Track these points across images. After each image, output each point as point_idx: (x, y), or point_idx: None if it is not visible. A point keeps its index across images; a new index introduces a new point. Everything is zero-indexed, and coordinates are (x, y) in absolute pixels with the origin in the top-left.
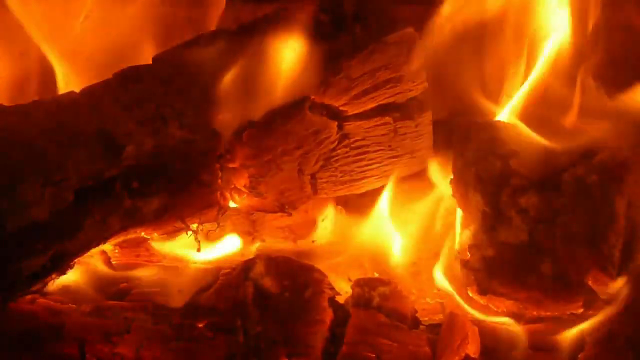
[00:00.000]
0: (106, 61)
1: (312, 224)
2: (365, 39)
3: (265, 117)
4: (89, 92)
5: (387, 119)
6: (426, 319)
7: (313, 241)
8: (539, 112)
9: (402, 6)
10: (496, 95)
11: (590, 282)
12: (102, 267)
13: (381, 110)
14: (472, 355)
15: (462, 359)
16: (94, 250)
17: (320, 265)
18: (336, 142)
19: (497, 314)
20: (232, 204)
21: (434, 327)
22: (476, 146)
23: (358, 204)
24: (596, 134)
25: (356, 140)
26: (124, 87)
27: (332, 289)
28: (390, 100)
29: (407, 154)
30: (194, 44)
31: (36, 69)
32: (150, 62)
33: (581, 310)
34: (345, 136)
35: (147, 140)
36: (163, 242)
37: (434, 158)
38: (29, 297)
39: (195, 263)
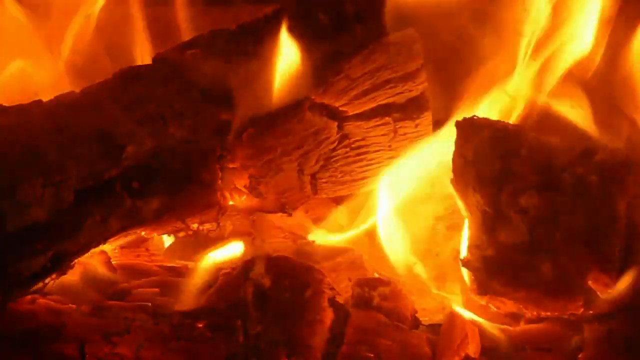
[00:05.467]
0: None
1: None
2: (365, 39)
3: (266, 117)
4: (89, 92)
5: (387, 119)
6: (426, 319)
7: (313, 241)
8: (539, 111)
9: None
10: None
11: (590, 282)
12: (102, 267)
13: (381, 111)
14: (472, 355)
15: (462, 359)
16: (94, 250)
17: (320, 265)
18: (336, 143)
19: (496, 314)
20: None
21: (434, 327)
22: (476, 146)
23: (358, 204)
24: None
25: (356, 141)
26: (124, 87)
27: (332, 289)
28: (390, 100)
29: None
30: (194, 44)
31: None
32: (150, 62)
33: (581, 310)
34: (345, 136)
35: (147, 140)
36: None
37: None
38: (29, 297)
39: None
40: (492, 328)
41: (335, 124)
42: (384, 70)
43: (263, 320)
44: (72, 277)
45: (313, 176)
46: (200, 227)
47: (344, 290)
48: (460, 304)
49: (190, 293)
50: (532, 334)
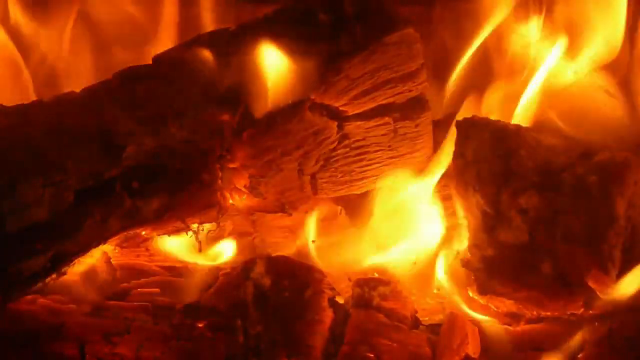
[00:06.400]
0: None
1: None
2: (365, 39)
3: (266, 117)
4: (89, 92)
5: (387, 119)
6: (426, 319)
7: (313, 241)
8: (539, 111)
9: (402, 6)
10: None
11: (590, 282)
12: (102, 267)
13: (381, 111)
14: (472, 355)
15: (462, 359)
16: (94, 250)
17: (320, 265)
18: (336, 143)
19: (496, 314)
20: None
21: (434, 327)
22: (476, 146)
23: (358, 204)
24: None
25: (356, 141)
26: (124, 87)
27: (332, 289)
28: (390, 100)
29: (407, 154)
30: (194, 44)
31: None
32: (150, 62)
33: (581, 310)
34: (345, 136)
35: (147, 140)
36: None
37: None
38: (29, 297)
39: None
40: (492, 328)
41: (335, 124)
42: (384, 70)
43: (263, 320)
44: (72, 277)
45: (313, 176)
46: (200, 227)
47: (344, 290)
48: (460, 304)
49: (190, 293)
50: (532, 334)
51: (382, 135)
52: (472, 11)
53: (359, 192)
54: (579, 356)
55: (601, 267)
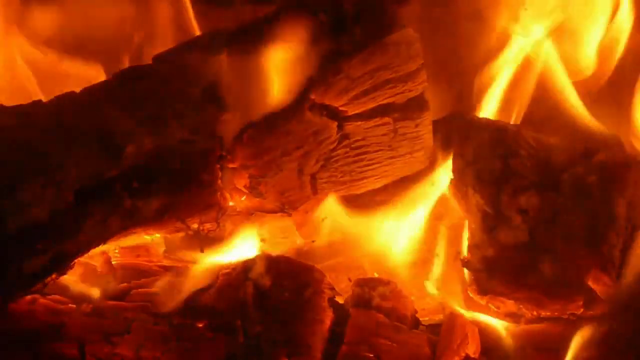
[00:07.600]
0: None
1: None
2: (365, 39)
3: (265, 117)
4: (89, 92)
5: (387, 119)
6: (426, 319)
7: (313, 241)
8: (539, 111)
9: (402, 6)
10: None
11: (590, 282)
12: (102, 267)
13: (381, 111)
14: (472, 355)
15: (462, 359)
16: (94, 251)
17: (320, 265)
18: (336, 143)
19: (496, 314)
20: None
21: (434, 327)
22: (476, 146)
23: (358, 204)
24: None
25: (356, 141)
26: (124, 87)
27: (332, 289)
28: (390, 100)
29: (407, 154)
30: (194, 44)
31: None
32: (150, 62)
33: (581, 310)
34: (345, 136)
35: (147, 140)
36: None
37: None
38: (29, 297)
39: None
40: (492, 328)
41: (335, 124)
42: (384, 70)
43: (263, 320)
44: (72, 277)
45: (313, 176)
46: (200, 227)
47: (344, 290)
48: (460, 304)
49: (190, 293)
50: (532, 334)
51: (382, 135)
52: (472, 11)
53: (359, 192)
54: (579, 356)
55: (601, 267)
